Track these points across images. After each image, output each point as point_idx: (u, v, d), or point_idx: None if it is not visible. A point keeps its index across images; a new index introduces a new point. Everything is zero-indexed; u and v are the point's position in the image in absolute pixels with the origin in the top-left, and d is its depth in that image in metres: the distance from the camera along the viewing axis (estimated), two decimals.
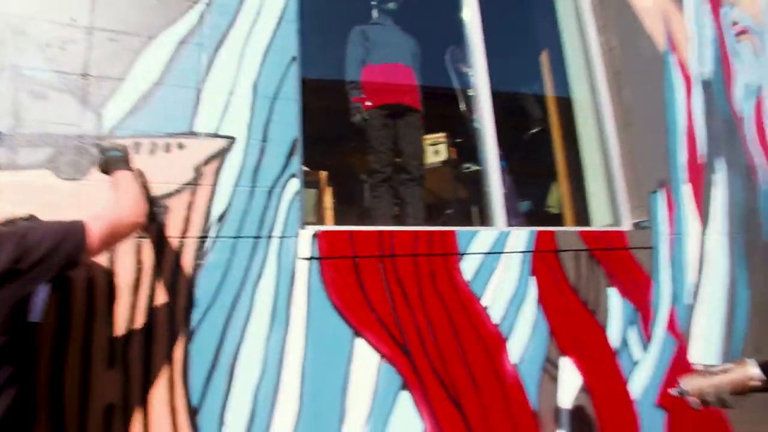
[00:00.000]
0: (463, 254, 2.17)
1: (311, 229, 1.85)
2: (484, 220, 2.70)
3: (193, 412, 1.52)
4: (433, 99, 3.22)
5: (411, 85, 2.81)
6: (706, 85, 3.63)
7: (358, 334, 1.84)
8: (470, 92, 3.20)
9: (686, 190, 3.15)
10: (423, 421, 1.90)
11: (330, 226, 2.03)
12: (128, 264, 1.50)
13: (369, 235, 1.96)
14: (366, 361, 1.84)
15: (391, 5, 2.88)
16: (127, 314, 1.48)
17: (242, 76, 1.84)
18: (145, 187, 1.52)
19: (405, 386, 1.89)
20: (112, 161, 1.42)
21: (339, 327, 1.81)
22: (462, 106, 3.09)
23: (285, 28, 1.97)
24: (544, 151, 3.70)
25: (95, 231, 1.15)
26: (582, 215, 3.32)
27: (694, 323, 2.94)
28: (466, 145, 3.98)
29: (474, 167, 4.08)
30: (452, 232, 2.17)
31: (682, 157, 3.22)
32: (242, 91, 1.82)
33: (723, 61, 3.87)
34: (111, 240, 1.23)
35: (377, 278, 1.94)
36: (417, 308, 1.99)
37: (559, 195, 3.70)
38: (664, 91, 3.31)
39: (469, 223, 3.69)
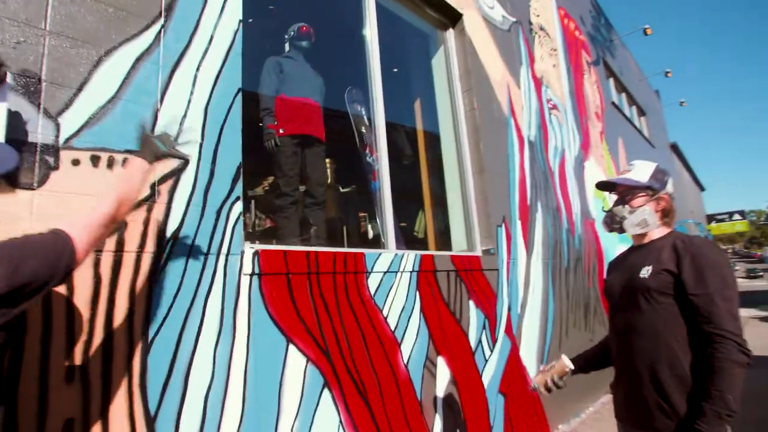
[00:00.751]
0: (369, 272, 2.57)
1: (253, 248, 2.04)
2: (367, 240, 3.14)
3: (150, 420, 1.58)
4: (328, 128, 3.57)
5: (319, 120, 3.13)
6: (531, 144, 4.75)
7: (290, 341, 2.08)
8: (363, 129, 3.66)
9: (519, 226, 4.10)
10: (339, 414, 2.22)
11: (268, 246, 2.20)
12: (87, 277, 1.52)
13: (299, 254, 2.23)
14: (296, 365, 2.08)
15: (304, 44, 3.17)
16: (86, 327, 1.49)
17: (195, 100, 1.95)
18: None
19: (326, 385, 2.19)
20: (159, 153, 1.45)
21: (274, 335, 2.03)
22: (357, 141, 3.51)
23: (233, 59, 2.14)
24: (413, 183, 4.34)
25: (83, 243, 1.09)
26: (441, 241, 4.02)
27: (522, 327, 3.84)
28: (342, 168, 4.41)
29: (347, 188, 4.54)
30: (362, 253, 2.56)
31: (516, 199, 4.18)
32: (195, 114, 1.94)
33: (542, 127, 5.10)
34: (95, 245, 1.18)
35: (305, 292, 2.21)
36: (335, 318, 2.32)
37: (424, 222, 4.37)
38: (507, 146, 4.25)
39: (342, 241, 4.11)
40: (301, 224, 2.98)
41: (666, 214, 1.63)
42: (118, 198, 1.25)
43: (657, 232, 1.63)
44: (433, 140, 4.18)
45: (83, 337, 1.48)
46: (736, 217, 24.43)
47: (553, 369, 1.85)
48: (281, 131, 2.91)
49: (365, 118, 3.63)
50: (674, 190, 1.74)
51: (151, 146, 1.46)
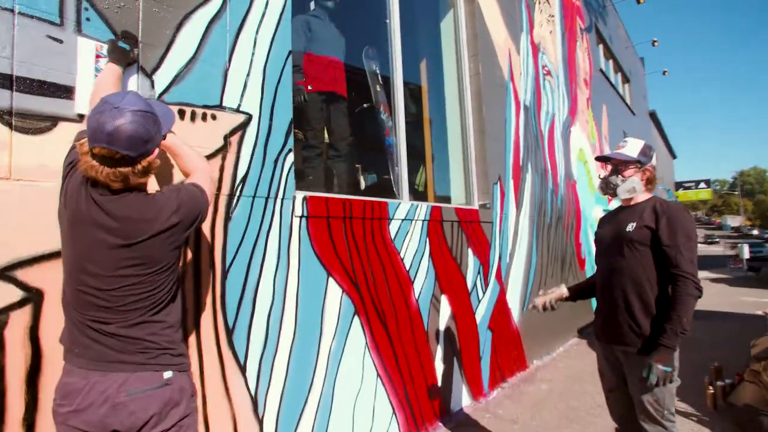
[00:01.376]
0: (391, 219, 2.93)
1: (302, 194, 2.36)
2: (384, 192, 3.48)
3: (229, 331, 1.95)
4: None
5: (342, 78, 3.36)
6: (526, 109, 5.08)
7: (329, 274, 2.46)
8: (378, 87, 3.90)
9: (511, 184, 4.50)
10: (365, 338, 2.64)
11: (313, 192, 2.51)
12: None
13: (337, 201, 2.56)
14: (334, 294, 2.47)
15: (330, 4, 3.34)
16: (181, 257, 1.81)
17: (255, 62, 2.20)
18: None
19: (356, 313, 2.60)
20: (120, 52, 1.62)
21: (318, 269, 2.40)
22: (373, 98, 3.76)
23: (284, 24, 2.36)
24: (414, 139, 4.62)
25: (208, 194, 1.44)
26: (440, 194, 4.38)
27: (510, 275, 4.32)
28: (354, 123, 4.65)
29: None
30: (385, 202, 2.91)
31: (510, 160, 4.55)
32: (256, 74, 2.19)
33: (536, 92, 5.40)
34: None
35: (341, 233, 2.56)
36: (363, 256, 2.69)
37: (424, 177, 4.71)
38: (506, 110, 4.57)
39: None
40: (326, 174, 3.29)
41: (649, 182, 2.03)
42: (206, 177, 1.52)
43: (642, 196, 2.00)
44: (438, 101, 4.45)
45: (179, 264, 1.81)
46: (702, 185, 25.65)
47: (554, 294, 2.28)
48: (309, 87, 3.14)
49: (379, 76, 3.86)
50: (657, 162, 2.14)
51: (118, 51, 1.63)
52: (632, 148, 2.00)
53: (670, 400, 1.82)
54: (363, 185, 4.71)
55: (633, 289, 1.90)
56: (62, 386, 1.24)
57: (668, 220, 1.83)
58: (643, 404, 1.83)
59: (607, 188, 2.05)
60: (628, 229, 1.93)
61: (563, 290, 2.30)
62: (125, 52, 1.66)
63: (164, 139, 1.38)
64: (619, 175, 2.00)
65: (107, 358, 1.22)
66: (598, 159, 2.17)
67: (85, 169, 1.20)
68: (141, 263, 1.26)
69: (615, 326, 1.95)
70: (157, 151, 1.29)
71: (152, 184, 1.59)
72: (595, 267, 2.21)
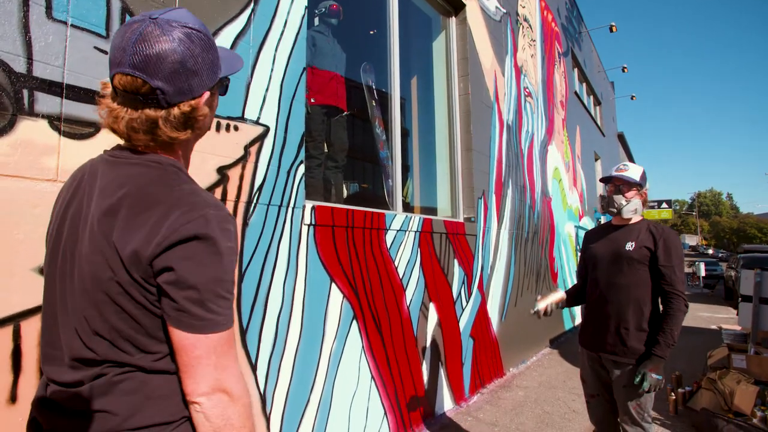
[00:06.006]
0: (387, 229, 3.09)
1: (311, 203, 2.49)
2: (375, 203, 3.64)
3: (243, 333, 2.06)
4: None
5: (343, 92, 3.52)
6: (509, 128, 5.34)
7: (332, 280, 2.59)
8: (373, 102, 4.07)
9: (494, 199, 4.73)
10: (362, 342, 2.78)
11: (321, 202, 2.64)
12: None
13: (341, 211, 2.70)
14: (336, 299, 2.60)
15: (334, 21, 3.50)
16: None
17: (274, 76, 2.32)
18: None
19: (354, 318, 2.73)
20: None
21: (322, 275, 2.53)
22: (369, 112, 3.92)
23: (300, 41, 2.50)
24: (404, 152, 4.81)
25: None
26: (427, 206, 4.57)
27: (490, 286, 4.53)
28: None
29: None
30: (383, 213, 3.06)
31: (494, 176, 4.79)
32: (274, 88, 2.32)
33: (518, 113, 5.69)
34: None
35: (343, 241, 2.70)
36: (362, 264, 2.83)
37: (411, 189, 4.89)
38: (491, 129, 4.82)
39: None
40: (324, 184, 3.42)
41: (644, 204, 2.22)
42: None
43: (636, 217, 2.18)
44: (428, 116, 4.65)
45: None
46: (664, 206, 26.94)
47: (554, 298, 2.35)
48: (312, 100, 3.28)
49: (375, 92, 4.03)
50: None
51: None
52: (634, 172, 2.14)
53: (650, 404, 2.02)
54: (345, 194, 4.86)
55: (630, 303, 2.06)
56: None
57: (665, 242, 2.02)
58: (627, 408, 2.02)
59: (609, 206, 2.17)
60: (627, 248, 2.09)
61: (561, 294, 2.40)
62: None
63: (224, 90, 0.94)
64: (622, 196, 2.14)
65: None
66: (603, 180, 2.25)
67: (104, 118, 0.81)
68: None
69: (607, 336, 2.10)
70: (207, 95, 0.85)
71: None
72: (588, 279, 2.31)
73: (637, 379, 1.92)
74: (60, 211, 0.88)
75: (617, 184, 2.16)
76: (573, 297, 2.45)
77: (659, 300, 2.07)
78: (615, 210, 2.15)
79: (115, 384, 0.77)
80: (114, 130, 0.81)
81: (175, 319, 0.75)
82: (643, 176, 2.15)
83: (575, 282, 2.54)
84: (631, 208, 2.13)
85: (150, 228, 0.74)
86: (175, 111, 0.80)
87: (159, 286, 0.74)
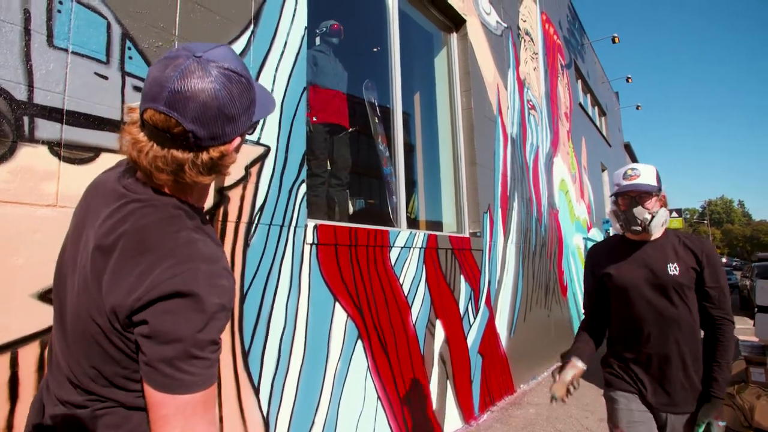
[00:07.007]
0: (391, 247, 3.06)
1: (313, 222, 2.48)
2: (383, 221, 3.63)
3: (245, 354, 2.03)
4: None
5: (345, 110, 3.54)
6: (513, 141, 5.33)
7: (336, 299, 2.56)
8: (376, 119, 4.09)
9: (499, 213, 4.70)
10: (367, 361, 2.73)
11: (323, 221, 2.63)
12: None
13: (344, 229, 2.69)
14: (340, 319, 2.57)
15: (335, 40, 3.54)
16: None
17: (275, 96, 2.34)
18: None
19: (359, 337, 2.69)
20: None
21: (326, 294, 2.50)
22: (372, 129, 3.94)
23: (300, 62, 2.52)
24: (408, 168, 4.81)
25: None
26: (432, 222, 4.55)
27: (498, 301, 4.48)
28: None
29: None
30: (387, 230, 3.04)
31: (499, 190, 4.76)
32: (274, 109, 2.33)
33: (522, 126, 5.68)
34: None
35: (347, 260, 2.68)
36: (366, 282, 2.81)
37: (416, 204, 4.88)
38: (495, 143, 4.81)
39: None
40: (327, 202, 3.42)
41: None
42: None
43: (661, 230, 1.77)
44: (431, 132, 4.66)
45: None
46: (674, 215, 26.66)
47: (573, 375, 1.84)
48: (314, 119, 3.30)
49: (378, 109, 4.05)
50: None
51: None
52: (648, 175, 1.73)
53: None
54: (351, 210, 4.86)
55: (687, 341, 1.69)
56: None
57: (708, 258, 1.68)
58: None
59: (632, 224, 1.73)
60: (671, 273, 1.69)
61: (580, 366, 1.86)
62: None
63: (251, 131, 0.89)
64: (643, 207, 1.72)
65: None
66: (617, 194, 1.79)
67: (126, 147, 0.78)
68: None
69: (669, 387, 1.70)
70: (238, 140, 0.82)
71: None
72: (617, 317, 1.86)
73: (701, 430, 1.62)
74: (77, 222, 0.91)
75: (633, 195, 1.73)
76: (589, 350, 1.94)
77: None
78: (640, 228, 1.72)
79: (97, 418, 0.76)
80: (136, 162, 0.78)
81: (145, 373, 0.72)
82: (658, 177, 1.76)
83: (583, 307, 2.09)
84: (660, 222, 1.72)
85: (135, 278, 0.72)
86: (204, 156, 0.77)
87: (136, 337, 0.73)
